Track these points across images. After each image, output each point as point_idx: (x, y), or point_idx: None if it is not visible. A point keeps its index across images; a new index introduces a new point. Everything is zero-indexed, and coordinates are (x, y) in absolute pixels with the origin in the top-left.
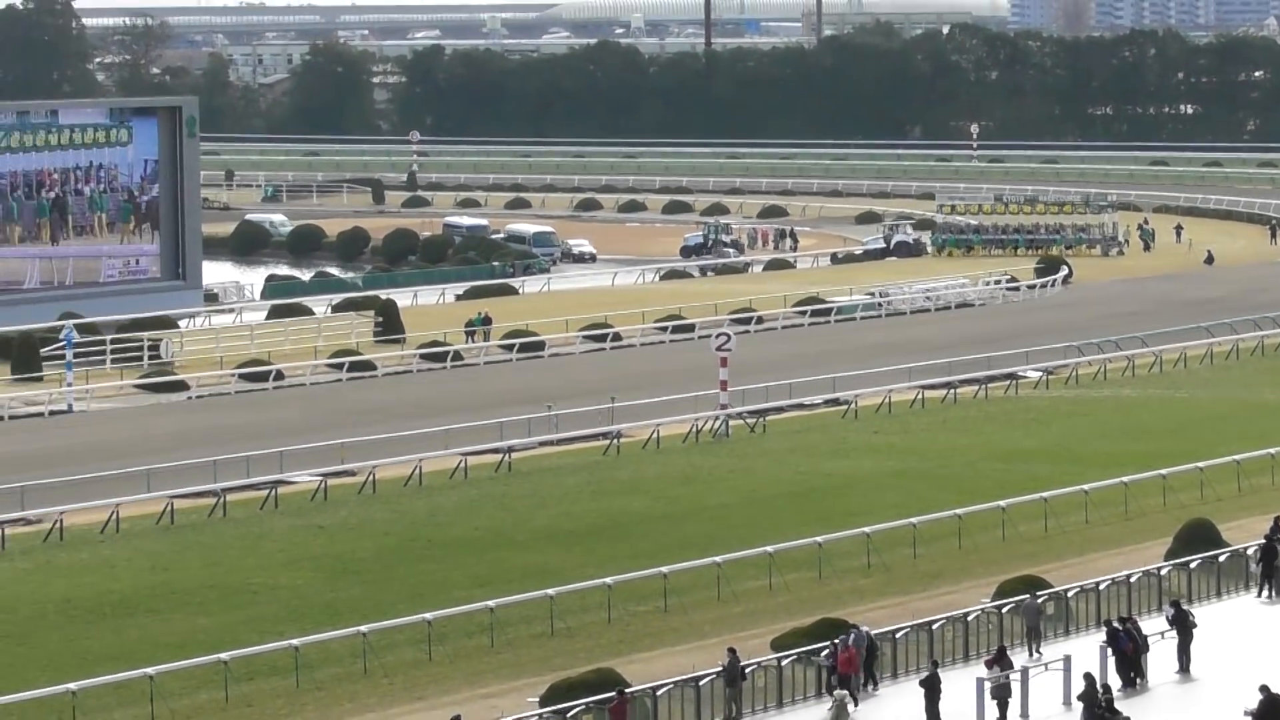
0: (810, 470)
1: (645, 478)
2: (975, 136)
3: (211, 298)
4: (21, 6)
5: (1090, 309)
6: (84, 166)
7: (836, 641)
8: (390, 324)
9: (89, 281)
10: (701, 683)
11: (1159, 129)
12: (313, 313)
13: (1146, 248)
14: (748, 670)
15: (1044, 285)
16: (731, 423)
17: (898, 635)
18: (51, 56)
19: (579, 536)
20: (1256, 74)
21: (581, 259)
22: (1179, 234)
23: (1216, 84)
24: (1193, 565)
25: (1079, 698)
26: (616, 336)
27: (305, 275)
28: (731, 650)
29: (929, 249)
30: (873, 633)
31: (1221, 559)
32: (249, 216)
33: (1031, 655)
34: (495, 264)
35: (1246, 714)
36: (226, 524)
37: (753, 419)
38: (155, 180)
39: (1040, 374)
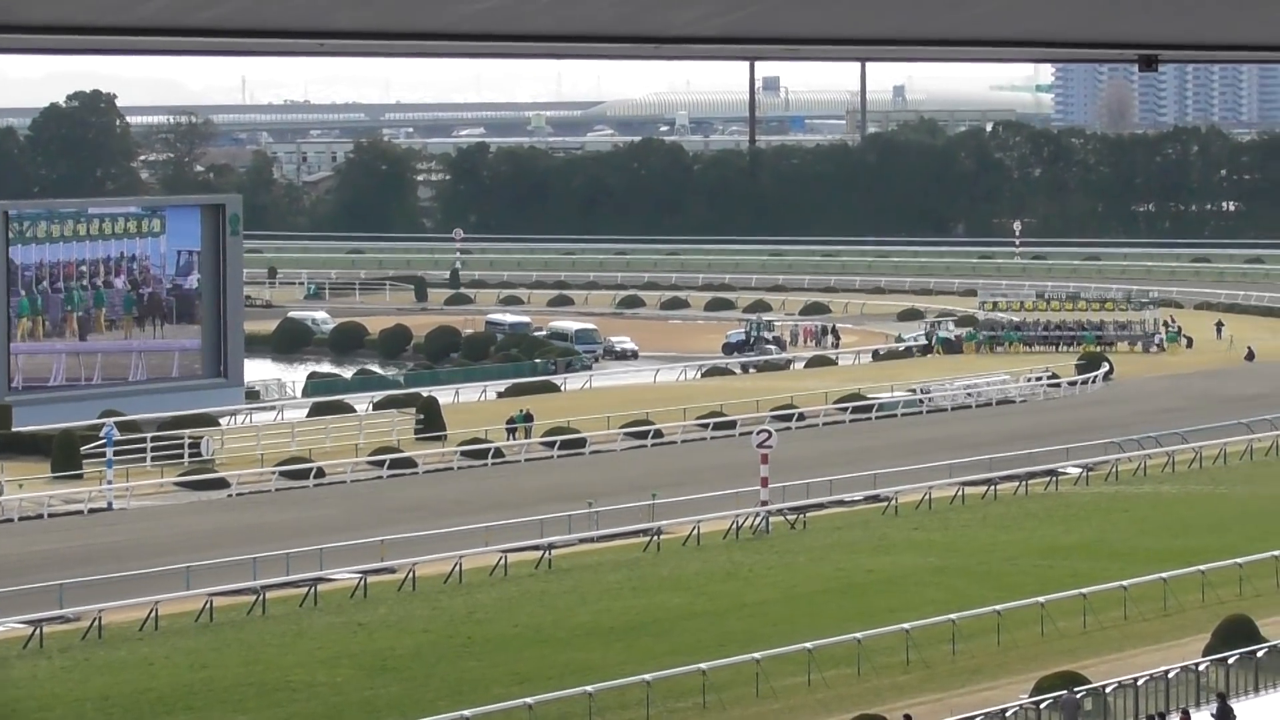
0: (850, 566)
1: (686, 574)
2: (1018, 233)
3: (253, 395)
4: (65, 105)
5: (1131, 405)
6: (114, 258)
7: None
8: (432, 421)
9: (124, 378)
10: None
11: (1202, 225)
12: (354, 410)
13: (1162, 348)
14: None
15: (1085, 382)
16: (772, 519)
17: None
18: (96, 154)
19: (619, 633)
20: None
21: (624, 356)
22: (1219, 330)
23: (1259, 180)
24: (1231, 661)
25: None
26: (658, 433)
27: (347, 373)
28: None
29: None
30: None
31: (1260, 654)
32: (291, 314)
33: None
34: (537, 361)
35: None
36: (266, 621)
37: (793, 515)
38: (189, 271)
39: (1080, 470)
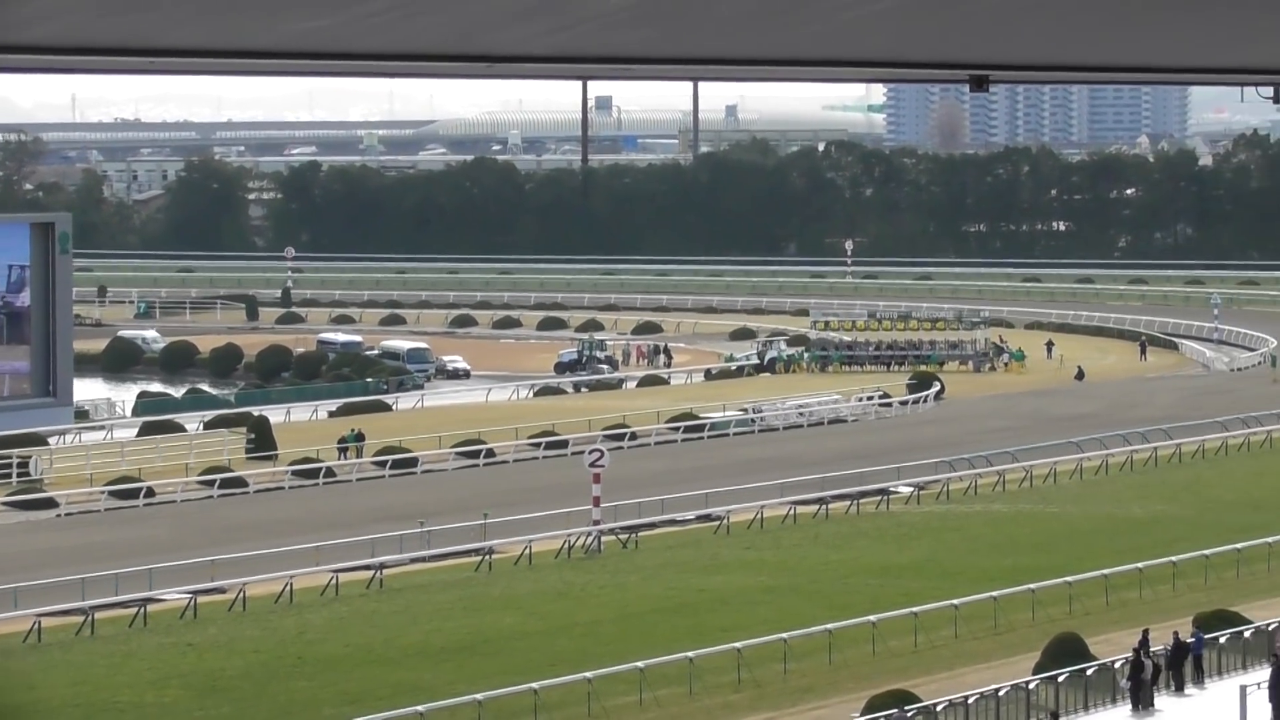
0: (682, 586)
1: (517, 594)
2: (850, 253)
3: (82, 414)
4: None
5: (962, 425)
6: None
7: None
8: (262, 440)
9: None
10: None
11: (1032, 245)
12: (184, 429)
13: (993, 367)
14: None
15: (916, 401)
16: (604, 538)
17: None
18: None
19: (450, 653)
20: (1128, 191)
21: (456, 375)
22: (1050, 350)
23: (1089, 201)
24: (1061, 679)
25: None
26: (490, 453)
27: (177, 392)
28: None
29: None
30: None
31: (1089, 673)
32: (121, 333)
33: None
34: (369, 380)
35: None
36: (94, 642)
37: (625, 535)
38: (21, 288)
39: (912, 489)
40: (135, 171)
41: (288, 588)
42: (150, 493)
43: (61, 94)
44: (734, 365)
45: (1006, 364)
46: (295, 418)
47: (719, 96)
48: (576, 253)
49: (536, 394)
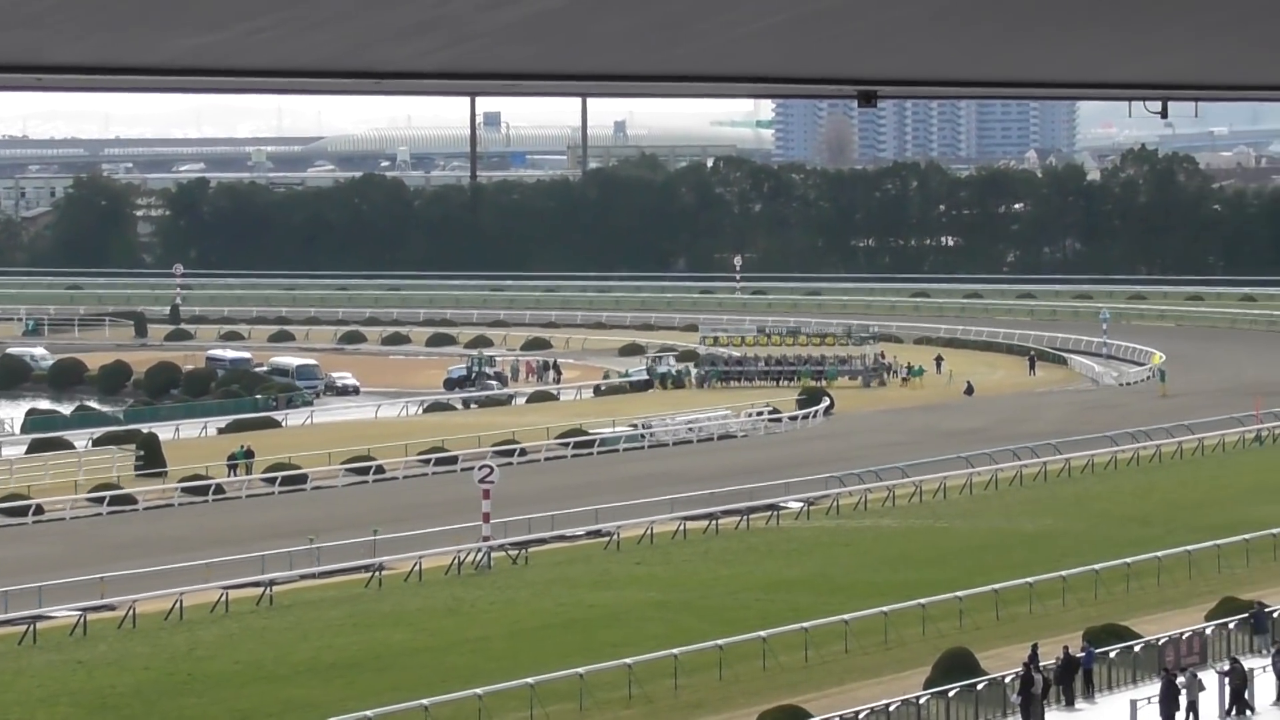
0: (573, 602)
1: (407, 610)
2: (739, 268)
3: None
4: None
5: (851, 440)
6: None
7: None
8: (152, 458)
9: None
10: None
11: (921, 261)
12: (74, 446)
13: (883, 382)
14: None
15: (806, 416)
16: (494, 554)
17: None
18: None
19: (340, 669)
20: (1016, 206)
21: (345, 392)
22: (939, 365)
23: (978, 216)
24: (951, 694)
25: None
26: (379, 469)
27: (66, 409)
28: None
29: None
30: None
31: (979, 687)
32: (9, 350)
33: None
34: (258, 397)
35: None
36: None
37: (515, 551)
38: None
39: (802, 505)
40: (23, 188)
41: (178, 605)
42: (39, 510)
43: None
44: (623, 381)
45: (905, 379)
46: (184, 435)
47: (608, 112)
48: (465, 269)
49: (426, 410)
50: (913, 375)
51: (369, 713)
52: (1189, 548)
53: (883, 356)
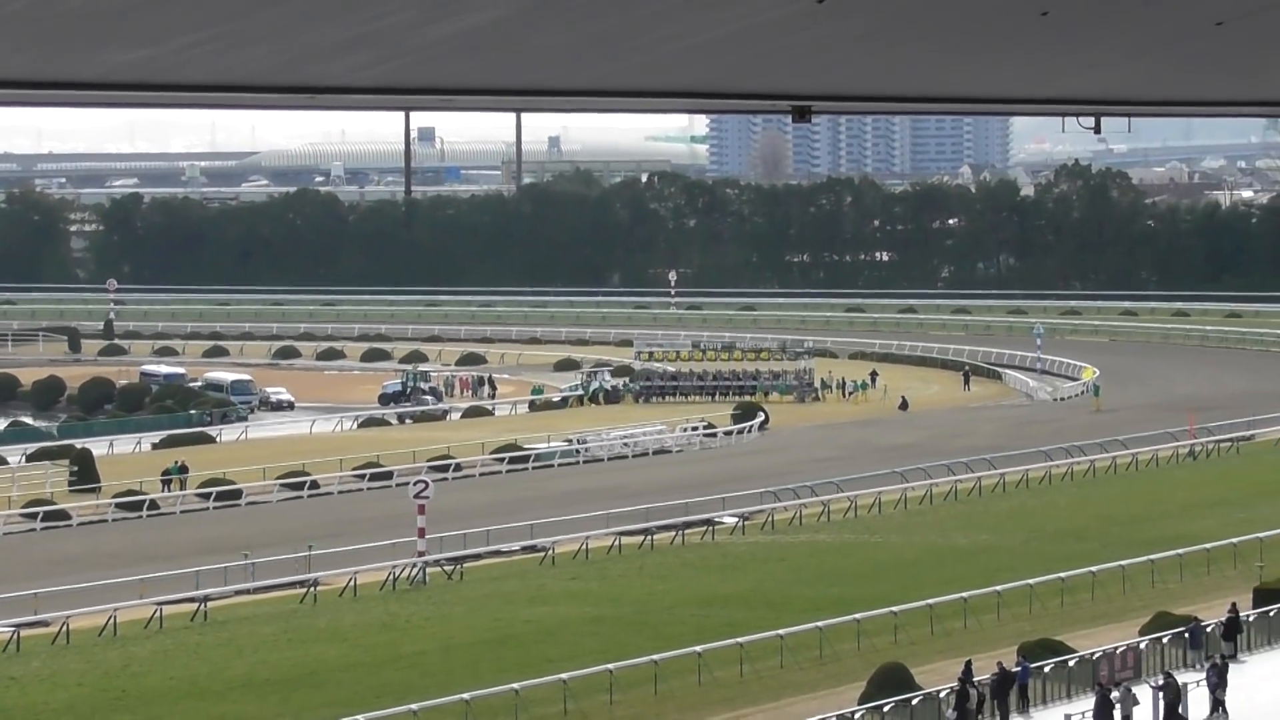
0: (508, 617)
1: (342, 626)
2: (674, 284)
3: None
4: None
5: (786, 455)
6: None
7: None
8: (85, 473)
9: None
10: None
11: (856, 276)
12: (6, 462)
13: (818, 397)
14: None
15: (740, 431)
16: (429, 570)
17: None
18: None
19: (275, 685)
20: (950, 221)
21: (279, 407)
22: (874, 380)
23: (912, 231)
24: (886, 709)
25: None
26: (314, 484)
27: None
28: None
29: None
30: None
31: (914, 702)
32: None
33: None
34: (192, 412)
35: None
36: None
37: (450, 566)
38: None
39: (737, 520)
40: None
41: (111, 620)
42: None
43: None
44: (558, 396)
45: (851, 394)
46: (118, 450)
47: (542, 128)
48: (400, 284)
49: (361, 425)
50: (859, 389)
51: None
52: (1123, 562)
53: (806, 373)
